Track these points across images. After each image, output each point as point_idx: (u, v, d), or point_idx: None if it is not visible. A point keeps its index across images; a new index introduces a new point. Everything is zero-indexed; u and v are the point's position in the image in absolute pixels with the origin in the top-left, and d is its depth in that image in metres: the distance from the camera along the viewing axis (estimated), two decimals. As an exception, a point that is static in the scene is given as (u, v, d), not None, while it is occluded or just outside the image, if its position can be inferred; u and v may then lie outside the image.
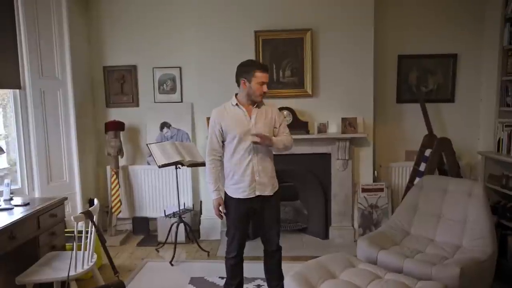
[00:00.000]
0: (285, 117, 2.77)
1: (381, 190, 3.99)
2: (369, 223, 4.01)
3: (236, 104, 2.57)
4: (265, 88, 2.51)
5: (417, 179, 3.74)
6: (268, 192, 2.59)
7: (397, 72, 4.20)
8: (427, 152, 3.84)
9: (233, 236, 2.65)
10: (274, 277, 2.72)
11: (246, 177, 2.54)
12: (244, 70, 2.53)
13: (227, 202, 2.64)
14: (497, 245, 2.86)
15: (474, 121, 4.20)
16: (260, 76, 2.48)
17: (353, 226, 4.05)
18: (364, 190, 3.99)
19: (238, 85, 2.59)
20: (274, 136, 2.61)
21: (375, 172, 4.12)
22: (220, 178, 2.68)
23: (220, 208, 2.62)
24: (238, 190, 2.57)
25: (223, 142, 2.61)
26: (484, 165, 3.71)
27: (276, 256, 2.71)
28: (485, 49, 4.05)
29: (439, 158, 3.76)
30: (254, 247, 3.95)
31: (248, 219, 2.69)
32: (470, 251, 2.72)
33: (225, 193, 2.65)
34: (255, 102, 2.56)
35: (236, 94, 2.62)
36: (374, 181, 4.06)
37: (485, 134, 4.05)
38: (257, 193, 2.56)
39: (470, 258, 2.62)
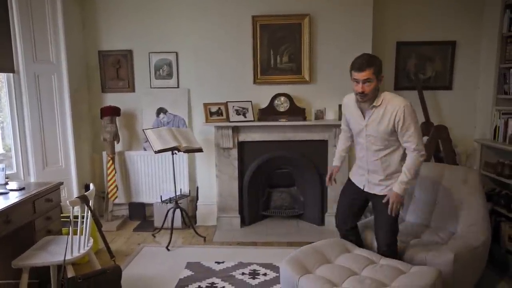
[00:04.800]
0: (415, 123, 2.28)
1: (377, 177, 4.00)
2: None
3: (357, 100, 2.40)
4: (359, 88, 2.27)
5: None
6: (377, 192, 2.50)
7: (395, 59, 4.18)
8: (424, 140, 3.84)
9: (337, 209, 2.76)
10: None
11: (360, 169, 2.58)
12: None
13: (349, 175, 2.72)
14: (490, 231, 2.89)
15: (471, 108, 4.19)
16: (353, 74, 2.30)
17: (348, 212, 4.07)
18: (360, 177, 4.00)
19: None
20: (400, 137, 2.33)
21: (372, 159, 4.12)
22: (347, 149, 2.78)
23: (327, 177, 2.76)
24: (355, 173, 2.64)
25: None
26: (480, 153, 3.72)
27: (384, 256, 2.52)
28: (484, 36, 4.03)
29: (436, 145, 3.76)
30: (249, 233, 3.99)
31: (357, 203, 2.66)
32: (464, 237, 2.74)
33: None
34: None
35: None
36: (370, 168, 4.06)
37: (482, 121, 4.06)
38: (365, 190, 2.56)
39: (464, 244, 2.64)
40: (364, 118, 2.41)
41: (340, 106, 3.85)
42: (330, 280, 2.23)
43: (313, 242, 2.69)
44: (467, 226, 2.83)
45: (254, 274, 3.08)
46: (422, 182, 3.15)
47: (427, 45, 4.13)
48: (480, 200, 2.93)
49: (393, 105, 2.29)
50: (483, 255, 2.78)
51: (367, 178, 2.54)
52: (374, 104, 2.33)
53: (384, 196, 2.45)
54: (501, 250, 3.24)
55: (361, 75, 2.25)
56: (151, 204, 4.26)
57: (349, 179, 2.73)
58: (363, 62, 2.26)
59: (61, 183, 3.09)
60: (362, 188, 2.59)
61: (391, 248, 2.53)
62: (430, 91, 4.14)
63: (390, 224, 2.50)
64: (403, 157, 2.41)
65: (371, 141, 2.43)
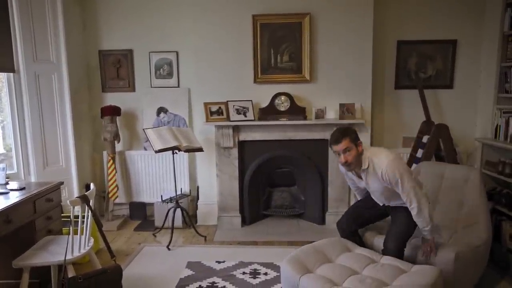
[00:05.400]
0: (401, 178, 2.37)
1: (378, 176, 3.99)
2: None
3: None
4: (342, 159, 2.42)
5: (414, 166, 3.74)
6: (397, 204, 2.61)
7: (396, 58, 4.17)
8: (425, 139, 3.84)
9: (348, 209, 2.89)
10: None
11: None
12: None
13: None
14: (492, 230, 2.88)
15: (472, 107, 4.18)
16: (333, 148, 2.46)
17: (349, 212, 4.07)
18: (361, 176, 3.99)
19: None
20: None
21: (372, 158, 4.11)
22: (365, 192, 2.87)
23: None
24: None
25: None
26: (481, 152, 3.71)
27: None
28: (485, 34, 4.01)
29: (437, 144, 3.75)
30: (250, 232, 3.99)
31: (373, 212, 2.76)
32: (466, 236, 2.74)
33: None
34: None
35: None
36: (371, 167, 4.06)
37: (483, 120, 4.05)
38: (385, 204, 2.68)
39: (465, 243, 2.64)
40: (362, 179, 2.56)
41: (340, 105, 3.87)
42: (331, 279, 2.22)
43: (313, 242, 2.68)
44: (468, 225, 2.82)
45: (255, 274, 3.07)
46: (423, 181, 3.14)
47: (428, 44, 4.12)
48: (482, 199, 2.92)
49: (378, 167, 2.41)
50: (484, 254, 2.77)
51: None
52: (362, 167, 2.46)
53: (399, 207, 2.57)
54: (502, 249, 3.23)
55: (339, 147, 2.40)
56: (152, 204, 4.25)
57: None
58: (338, 135, 2.42)
59: (62, 183, 3.09)
60: (381, 204, 2.71)
61: (389, 251, 2.52)
62: (431, 90, 4.13)
63: (398, 232, 2.55)
64: None
65: (378, 194, 2.62)
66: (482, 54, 4.07)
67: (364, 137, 3.97)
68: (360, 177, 2.56)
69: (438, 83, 4.18)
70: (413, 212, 2.42)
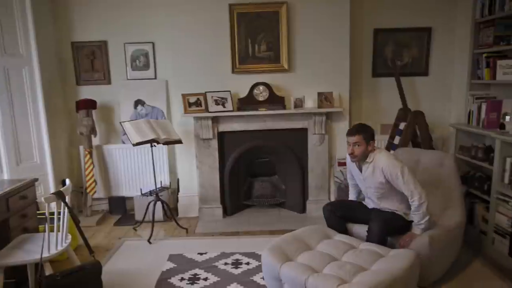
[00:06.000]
0: (403, 175, 2.58)
1: (357, 163, 4.05)
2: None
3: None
4: (349, 149, 2.68)
5: (392, 152, 3.81)
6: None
7: (373, 46, 4.20)
8: (402, 126, 3.91)
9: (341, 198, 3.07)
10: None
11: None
12: None
13: None
14: (465, 213, 2.98)
15: (446, 94, 4.27)
16: (346, 138, 2.72)
17: (329, 199, 4.12)
18: (340, 164, 4.04)
19: None
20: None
21: (351, 146, 4.16)
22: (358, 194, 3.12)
23: None
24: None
25: None
26: (456, 137, 3.80)
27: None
28: (458, 22, 4.08)
29: (413, 131, 3.83)
30: (232, 223, 4.00)
31: (362, 210, 2.88)
32: (440, 219, 2.82)
33: None
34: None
35: None
36: (350, 155, 4.11)
37: (457, 107, 4.14)
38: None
39: (440, 226, 2.72)
40: (361, 173, 2.76)
41: (319, 93, 3.89)
42: (311, 266, 2.25)
43: (294, 230, 2.71)
44: (443, 209, 2.91)
45: (237, 264, 3.09)
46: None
47: (403, 32, 4.17)
48: (456, 183, 3.01)
49: (380, 162, 2.65)
50: (459, 236, 2.86)
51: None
52: (366, 160, 2.70)
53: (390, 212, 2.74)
54: (475, 231, 3.34)
55: (351, 139, 2.67)
56: (132, 198, 4.20)
57: None
58: (354, 129, 2.70)
59: (36, 180, 3.01)
60: (371, 207, 2.88)
61: (381, 235, 2.59)
62: (407, 78, 4.19)
63: (389, 219, 2.66)
64: (402, 202, 2.72)
65: (372, 191, 2.77)
66: (455, 42, 4.15)
67: (343, 125, 4.03)
68: (360, 171, 2.77)
69: (414, 71, 4.24)
70: (414, 204, 2.56)
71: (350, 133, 2.69)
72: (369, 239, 2.61)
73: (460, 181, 3.11)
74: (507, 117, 3.27)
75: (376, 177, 2.66)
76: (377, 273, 2.13)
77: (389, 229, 2.63)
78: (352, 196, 3.12)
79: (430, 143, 3.86)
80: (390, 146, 3.96)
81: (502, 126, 3.32)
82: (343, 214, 2.86)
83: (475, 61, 3.71)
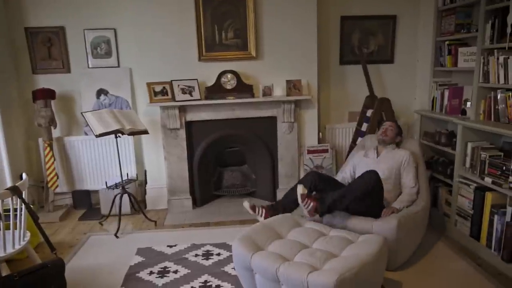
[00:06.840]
0: (415, 165, 3.06)
1: (326, 151, 4.09)
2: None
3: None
4: (383, 130, 3.19)
5: (360, 139, 3.86)
6: None
7: (340, 34, 4.21)
8: (369, 113, 3.96)
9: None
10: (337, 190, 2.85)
11: None
12: None
13: None
14: (430, 196, 3.07)
15: (411, 81, 4.37)
16: (384, 124, 3.28)
17: (299, 187, 4.13)
18: (309, 152, 4.06)
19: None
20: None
21: (320, 133, 4.19)
22: None
23: None
24: None
25: None
26: (420, 123, 3.90)
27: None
28: (422, 10, 4.16)
29: (380, 117, 3.89)
30: (202, 213, 3.95)
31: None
32: (407, 204, 2.88)
33: None
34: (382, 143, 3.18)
35: None
36: (319, 143, 4.14)
37: (421, 93, 4.24)
38: None
39: (406, 210, 2.78)
40: (377, 156, 3.14)
41: (287, 81, 3.86)
42: (282, 255, 2.24)
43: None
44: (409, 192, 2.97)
45: (207, 255, 3.05)
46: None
47: (369, 20, 4.20)
48: (421, 168, 3.09)
49: (402, 150, 3.11)
50: (424, 219, 2.95)
51: None
52: (390, 145, 3.16)
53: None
54: (439, 213, 3.47)
55: (388, 124, 3.24)
56: (97, 191, 4.04)
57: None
58: (393, 121, 3.34)
59: (-10, 175, 2.81)
60: None
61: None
62: (374, 65, 4.25)
63: (363, 193, 2.68)
64: (392, 197, 2.97)
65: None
66: (419, 29, 4.24)
67: (311, 113, 4.03)
68: (376, 155, 3.15)
69: (380, 58, 4.30)
70: (413, 190, 2.95)
71: (388, 119, 3.54)
72: (362, 181, 2.71)
73: (425, 166, 3.20)
74: (468, 103, 3.38)
75: (395, 158, 3.05)
76: (347, 259, 2.15)
77: (372, 194, 2.69)
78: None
79: (396, 129, 3.93)
80: (358, 133, 4.01)
81: (463, 112, 3.44)
82: (321, 187, 2.92)
83: (438, 48, 3.80)
